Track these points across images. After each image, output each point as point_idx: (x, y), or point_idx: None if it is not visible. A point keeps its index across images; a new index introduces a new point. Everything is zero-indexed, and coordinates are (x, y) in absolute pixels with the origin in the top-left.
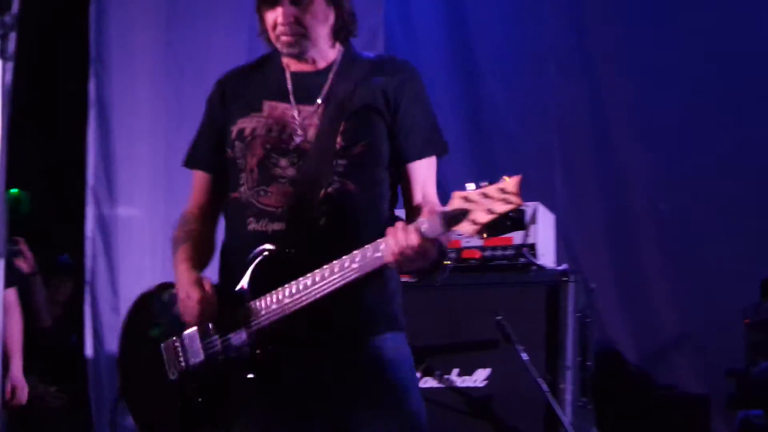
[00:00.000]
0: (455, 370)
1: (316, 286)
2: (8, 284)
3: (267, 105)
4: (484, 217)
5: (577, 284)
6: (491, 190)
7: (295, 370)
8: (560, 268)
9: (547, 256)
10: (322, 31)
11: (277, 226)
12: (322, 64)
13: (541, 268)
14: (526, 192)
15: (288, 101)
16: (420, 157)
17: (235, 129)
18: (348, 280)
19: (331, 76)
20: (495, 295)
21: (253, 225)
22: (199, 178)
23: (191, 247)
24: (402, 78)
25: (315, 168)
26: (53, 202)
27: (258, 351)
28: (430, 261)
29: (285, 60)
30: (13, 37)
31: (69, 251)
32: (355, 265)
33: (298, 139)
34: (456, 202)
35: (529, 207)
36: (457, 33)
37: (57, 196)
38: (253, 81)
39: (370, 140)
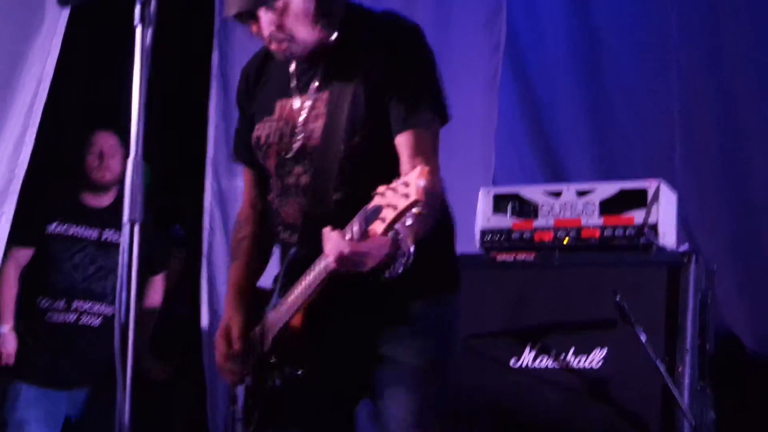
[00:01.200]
0: (572, 349)
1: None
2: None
3: (278, 105)
4: (390, 214)
5: (699, 266)
6: (397, 183)
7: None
8: (682, 249)
9: (668, 236)
10: (306, 27)
11: (296, 238)
12: (325, 48)
13: (662, 248)
14: (647, 170)
15: (293, 95)
16: (401, 130)
17: (254, 136)
18: (316, 291)
19: (329, 59)
20: (614, 275)
21: (282, 234)
22: (246, 173)
23: (241, 266)
24: (396, 45)
25: (323, 172)
26: (175, 175)
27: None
28: (380, 258)
29: None
30: (153, 3)
31: (188, 224)
32: (309, 278)
33: (301, 139)
34: (375, 199)
35: (651, 185)
36: (578, 3)
37: (179, 169)
38: (267, 74)
39: (370, 129)
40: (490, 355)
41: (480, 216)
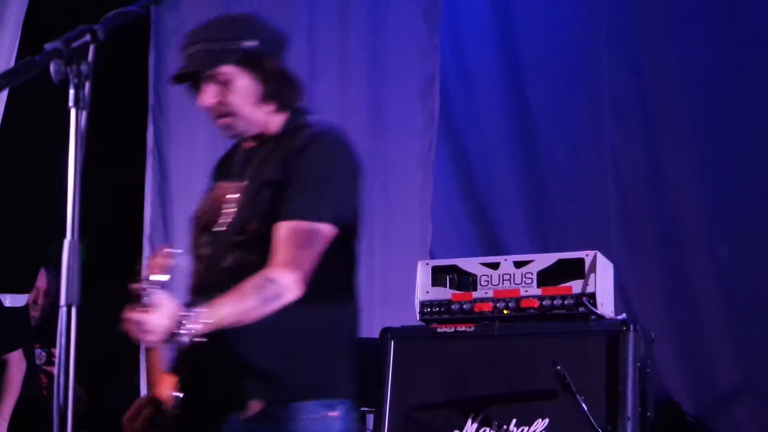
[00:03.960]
0: (514, 420)
1: None
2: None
3: (218, 185)
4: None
5: (637, 334)
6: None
7: None
8: (620, 317)
9: (606, 305)
10: (250, 106)
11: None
12: (262, 133)
13: (600, 317)
14: (583, 241)
15: (231, 179)
16: (282, 219)
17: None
18: None
19: (263, 150)
20: (554, 345)
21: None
22: None
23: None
24: (302, 147)
25: (221, 244)
26: (110, 252)
27: None
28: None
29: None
30: (87, 86)
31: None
32: None
33: (220, 219)
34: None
35: (588, 256)
36: (512, 78)
37: (114, 246)
38: (225, 161)
39: (266, 217)
40: (433, 428)
41: (419, 288)
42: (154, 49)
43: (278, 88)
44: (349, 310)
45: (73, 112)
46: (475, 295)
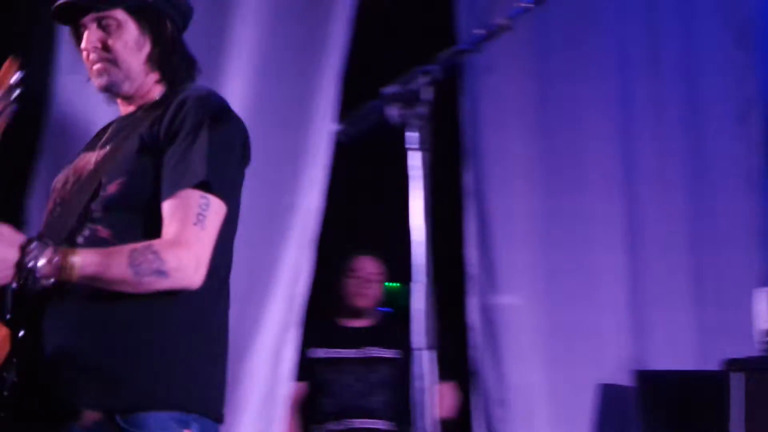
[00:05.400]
0: None
1: None
2: None
3: (79, 157)
4: None
5: None
6: None
7: None
8: None
9: None
10: (134, 59)
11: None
12: (140, 103)
13: None
14: None
15: (96, 149)
16: (165, 197)
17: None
18: None
19: (137, 114)
20: None
21: None
22: None
23: None
24: (174, 108)
25: (69, 215)
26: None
27: None
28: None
29: (120, 106)
30: (426, 127)
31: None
32: None
33: (76, 188)
34: None
35: None
36: None
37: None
38: (97, 135)
39: (127, 178)
40: None
41: (759, 316)
42: (467, 91)
43: (167, 54)
44: (220, 303)
45: (414, 154)
46: None
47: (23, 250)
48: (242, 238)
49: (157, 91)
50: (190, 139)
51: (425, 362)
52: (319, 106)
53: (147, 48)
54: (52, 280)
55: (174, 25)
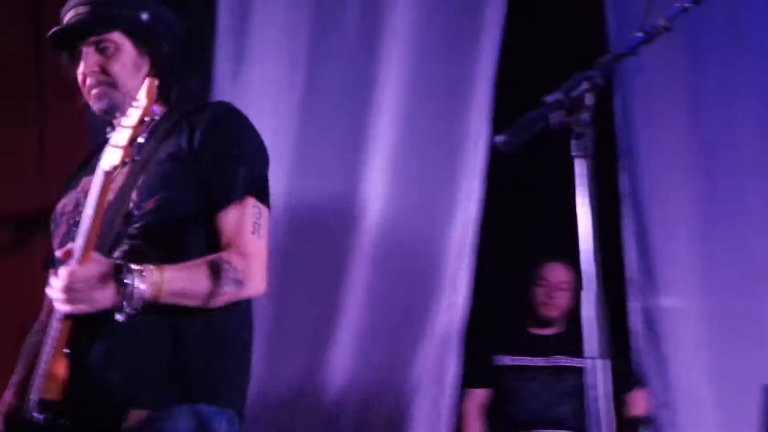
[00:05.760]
0: None
1: None
2: None
3: (84, 180)
4: None
5: None
6: None
7: None
8: None
9: None
10: (133, 81)
11: None
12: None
13: None
14: None
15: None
16: (220, 209)
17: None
18: None
19: (143, 134)
20: None
21: None
22: None
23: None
24: (206, 120)
25: (103, 235)
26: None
27: None
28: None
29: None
30: (589, 134)
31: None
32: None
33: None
34: None
35: None
36: None
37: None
38: (89, 159)
39: (165, 193)
40: None
41: None
42: (619, 90)
43: (164, 74)
44: (251, 308)
45: (580, 162)
46: None
47: (117, 268)
48: (402, 250)
49: (155, 110)
50: (233, 149)
51: (599, 371)
52: (474, 117)
53: (145, 69)
54: (148, 295)
55: (168, 46)
